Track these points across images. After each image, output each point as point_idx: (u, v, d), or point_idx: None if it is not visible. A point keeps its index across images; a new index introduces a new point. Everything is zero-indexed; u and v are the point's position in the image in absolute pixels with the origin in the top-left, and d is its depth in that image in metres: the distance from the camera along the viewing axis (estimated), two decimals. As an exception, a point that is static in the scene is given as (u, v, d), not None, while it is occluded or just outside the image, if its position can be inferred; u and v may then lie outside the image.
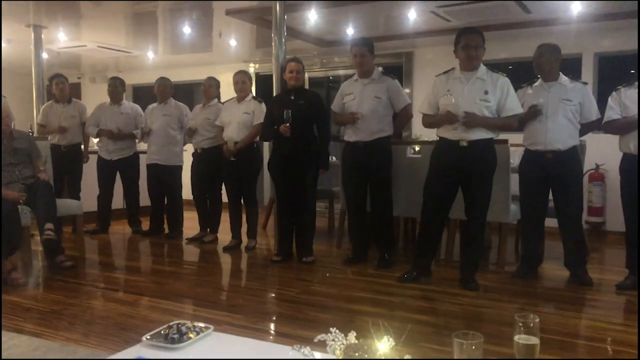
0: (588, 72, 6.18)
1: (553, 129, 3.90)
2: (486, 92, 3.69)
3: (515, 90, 4.09)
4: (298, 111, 4.42)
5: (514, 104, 3.74)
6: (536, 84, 4.08)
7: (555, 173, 3.92)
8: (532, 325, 1.77)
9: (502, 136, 4.31)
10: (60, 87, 5.92)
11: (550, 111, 3.92)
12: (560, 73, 4.01)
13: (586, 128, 4.03)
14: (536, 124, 3.97)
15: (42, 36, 6.43)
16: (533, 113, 3.95)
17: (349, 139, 4.49)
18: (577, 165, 4.01)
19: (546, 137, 3.91)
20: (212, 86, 5.55)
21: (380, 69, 4.63)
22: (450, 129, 3.75)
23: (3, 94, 5.70)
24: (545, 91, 3.98)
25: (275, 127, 4.48)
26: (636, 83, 3.75)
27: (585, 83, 4.07)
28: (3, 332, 2.81)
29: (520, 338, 1.77)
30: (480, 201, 3.79)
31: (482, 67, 3.75)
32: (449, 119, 3.72)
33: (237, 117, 5.02)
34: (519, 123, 4.09)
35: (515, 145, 4.71)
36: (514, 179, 4.30)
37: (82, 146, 6.10)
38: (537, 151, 3.97)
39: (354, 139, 4.44)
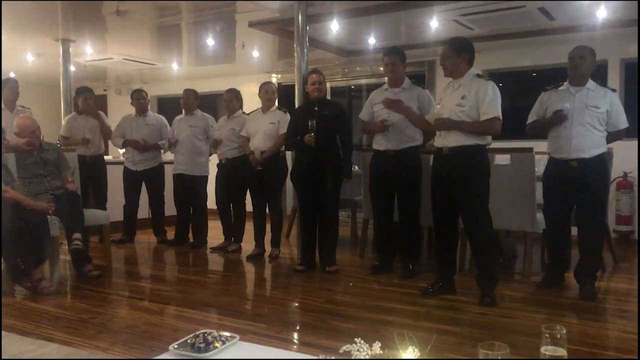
0: (614, 78, 6.10)
1: (578, 136, 3.75)
2: (463, 97, 3.63)
3: (539, 93, 4.03)
4: (322, 122, 4.44)
5: (490, 108, 3.55)
6: (562, 87, 3.93)
7: (579, 182, 3.77)
8: (559, 336, 1.74)
9: (526, 144, 4.27)
10: (88, 103, 5.96)
11: (576, 117, 3.77)
12: (589, 78, 3.88)
13: (613, 136, 3.88)
14: (561, 130, 3.82)
15: (70, 50, 6.60)
16: (558, 118, 3.80)
17: (378, 147, 4.46)
18: (603, 175, 3.87)
19: (571, 144, 3.77)
20: (232, 100, 5.58)
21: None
22: (437, 137, 3.76)
23: (28, 105, 5.84)
24: (572, 96, 3.84)
25: (299, 137, 4.51)
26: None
27: (614, 90, 3.91)
28: (33, 341, 2.87)
29: (547, 349, 1.75)
30: (471, 209, 3.66)
31: (469, 73, 3.67)
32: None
33: (263, 127, 5.09)
34: (540, 128, 3.99)
35: (540, 153, 4.67)
36: (540, 187, 4.23)
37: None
38: (561, 159, 3.85)
39: (383, 147, 4.41)
